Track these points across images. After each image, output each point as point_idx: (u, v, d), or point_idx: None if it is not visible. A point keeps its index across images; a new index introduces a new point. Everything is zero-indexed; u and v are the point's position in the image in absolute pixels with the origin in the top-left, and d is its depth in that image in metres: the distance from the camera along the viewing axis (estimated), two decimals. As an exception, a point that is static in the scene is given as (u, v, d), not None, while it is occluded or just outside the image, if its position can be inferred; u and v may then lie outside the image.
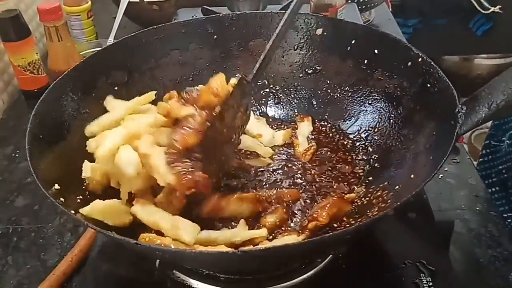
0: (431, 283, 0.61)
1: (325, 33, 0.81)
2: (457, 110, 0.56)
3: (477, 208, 0.89)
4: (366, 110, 0.77)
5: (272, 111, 0.87)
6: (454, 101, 0.59)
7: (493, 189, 1.15)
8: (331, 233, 0.56)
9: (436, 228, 0.71)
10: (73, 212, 0.54)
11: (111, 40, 1.21)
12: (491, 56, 2.20)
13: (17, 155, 0.98)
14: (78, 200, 0.61)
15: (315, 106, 0.84)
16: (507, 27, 2.06)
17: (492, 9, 2.11)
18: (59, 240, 0.82)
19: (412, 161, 0.64)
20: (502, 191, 1.13)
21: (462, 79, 2.25)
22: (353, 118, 0.79)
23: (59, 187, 0.59)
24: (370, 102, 0.77)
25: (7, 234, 0.82)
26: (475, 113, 0.53)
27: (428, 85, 0.66)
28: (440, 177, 0.95)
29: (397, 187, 0.63)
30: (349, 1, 1.23)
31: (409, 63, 0.70)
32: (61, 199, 0.58)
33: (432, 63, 0.66)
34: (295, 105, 0.84)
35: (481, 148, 1.26)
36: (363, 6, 1.38)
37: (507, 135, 1.13)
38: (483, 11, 2.13)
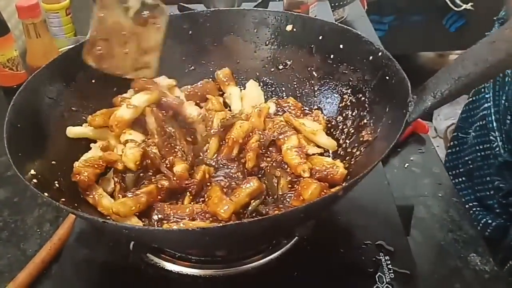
0: (389, 262, 0.66)
1: (294, 29, 0.85)
2: (408, 100, 0.61)
3: (440, 195, 0.94)
4: (332, 103, 0.82)
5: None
6: (408, 92, 0.63)
7: (460, 179, 1.20)
8: (283, 211, 0.60)
9: (397, 212, 0.75)
10: (46, 194, 0.56)
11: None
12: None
13: (-4, 150, 1.00)
14: (55, 187, 0.64)
15: (285, 99, 0.88)
16: (479, 24, 2.12)
17: (464, 6, 2.18)
18: (38, 230, 0.85)
19: (369, 149, 0.68)
20: (468, 181, 1.19)
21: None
22: (320, 110, 0.83)
23: (34, 172, 0.62)
24: (336, 94, 0.82)
25: (-12, 225, 0.84)
26: (423, 101, 0.58)
27: (387, 78, 0.70)
28: (406, 166, 1.00)
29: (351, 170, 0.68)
30: (321, -1, 1.27)
31: (371, 57, 0.75)
32: (34, 180, 0.61)
33: (391, 56, 0.71)
34: (267, 99, 0.88)
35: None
36: (336, 4, 1.42)
37: (473, 128, 1.18)
38: (455, 8, 2.20)
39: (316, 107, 0.83)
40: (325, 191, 0.65)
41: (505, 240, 1.03)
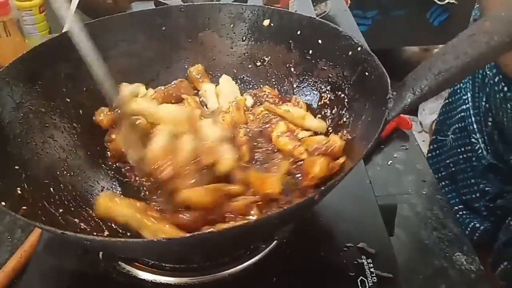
0: (371, 265, 0.63)
1: (272, 24, 0.82)
2: (388, 96, 0.58)
3: (424, 192, 0.93)
4: (312, 100, 0.79)
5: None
6: (387, 88, 0.60)
7: (443, 182, 1.19)
8: (256, 219, 0.57)
9: (379, 213, 0.72)
10: (3, 204, 0.53)
11: (64, 34, 1.19)
12: (448, 46, 2.27)
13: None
14: (17, 194, 0.61)
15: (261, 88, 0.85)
16: (462, 18, 2.12)
17: (448, 0, 2.17)
18: (9, 237, 0.81)
19: (348, 147, 0.65)
20: (451, 184, 1.18)
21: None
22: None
23: None
24: (315, 91, 0.79)
25: (-43, 234, 0.81)
26: (402, 98, 0.55)
27: (366, 73, 0.68)
28: (389, 163, 0.98)
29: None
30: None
31: (350, 52, 0.72)
32: None
33: (370, 51, 0.68)
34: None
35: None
36: (317, -3, 1.39)
37: (451, 130, 1.17)
38: (439, 2, 2.19)
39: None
40: (331, 164, 0.64)
41: (494, 243, 1.01)
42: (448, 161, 1.18)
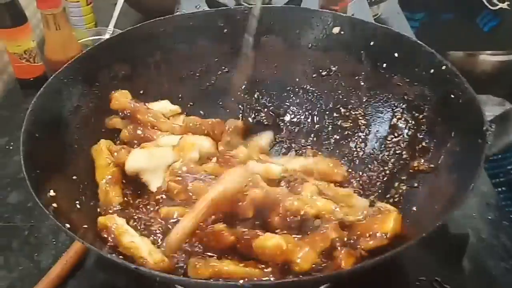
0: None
1: (342, 32, 0.77)
2: (485, 128, 0.53)
3: (489, 217, 0.87)
4: (383, 117, 0.73)
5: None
6: (481, 117, 0.55)
7: (500, 188, 1.13)
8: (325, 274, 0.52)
9: (450, 242, 0.67)
10: (68, 226, 0.50)
11: (111, 28, 1.16)
12: (496, 53, 2.17)
13: (11, 148, 0.93)
14: (76, 209, 0.57)
15: (326, 110, 0.79)
16: (514, 24, 2.03)
17: (500, 5, 2.07)
18: (53, 240, 0.78)
19: (433, 179, 0.60)
20: (509, 191, 1.11)
21: (466, 75, 2.23)
22: (368, 125, 0.75)
23: (54, 193, 0.55)
24: (387, 108, 0.73)
25: (-1, 232, 0.78)
26: (507, 134, 0.49)
27: (452, 96, 0.62)
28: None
29: (414, 208, 0.59)
30: (358, -5, 1.18)
31: (432, 70, 0.66)
32: (54, 205, 0.54)
33: (457, 72, 0.63)
34: (307, 108, 0.80)
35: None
36: (373, 0, 1.33)
37: None
38: (491, 7, 2.09)
39: (364, 120, 0.75)
40: None
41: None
42: (509, 167, 1.12)
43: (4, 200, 0.83)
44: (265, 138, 0.79)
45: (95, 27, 1.23)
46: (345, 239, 0.55)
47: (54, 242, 0.78)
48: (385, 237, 0.54)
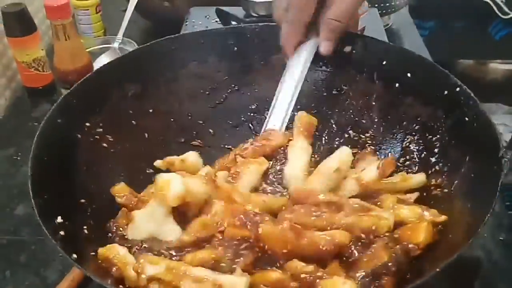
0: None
1: (354, 51, 0.76)
2: (500, 154, 0.52)
3: (501, 238, 0.85)
4: (395, 139, 0.72)
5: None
6: (497, 142, 0.54)
7: None
8: None
9: (462, 266, 0.66)
10: (75, 256, 0.49)
11: (120, 36, 1.16)
12: (506, 62, 2.15)
13: (18, 158, 0.93)
14: (85, 234, 0.57)
15: (337, 130, 0.78)
16: (526, 33, 2.01)
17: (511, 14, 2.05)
18: (61, 255, 0.77)
19: (445, 205, 0.59)
20: None
21: (476, 83, 2.21)
22: (378, 146, 0.74)
23: (62, 219, 0.55)
24: (399, 130, 0.72)
25: (6, 246, 0.78)
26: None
27: (466, 119, 0.61)
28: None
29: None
30: (369, 6, 1.17)
31: (446, 92, 0.65)
32: (61, 233, 0.54)
33: (472, 94, 0.61)
34: (317, 128, 0.78)
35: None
36: (384, 11, 1.32)
37: None
38: (502, 16, 2.07)
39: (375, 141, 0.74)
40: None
41: None
42: None
43: (12, 212, 0.82)
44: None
45: (104, 35, 1.24)
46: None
47: (61, 257, 0.77)
48: (417, 248, 0.55)
